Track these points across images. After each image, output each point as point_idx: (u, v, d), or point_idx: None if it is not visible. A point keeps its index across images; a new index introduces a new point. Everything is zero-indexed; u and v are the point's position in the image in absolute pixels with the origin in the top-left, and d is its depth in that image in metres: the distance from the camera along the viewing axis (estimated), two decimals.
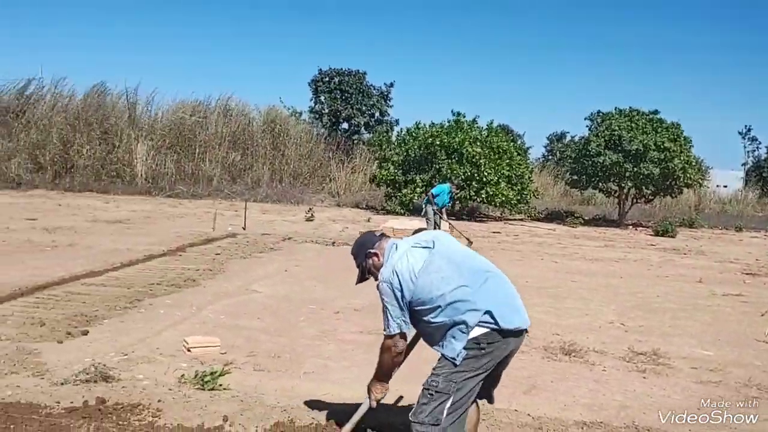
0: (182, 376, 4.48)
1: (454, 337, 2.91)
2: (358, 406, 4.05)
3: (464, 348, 2.87)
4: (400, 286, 2.98)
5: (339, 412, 3.85)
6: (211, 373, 4.48)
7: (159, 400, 3.98)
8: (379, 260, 3.17)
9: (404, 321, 3.01)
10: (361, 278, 3.32)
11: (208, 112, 25.53)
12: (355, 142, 27.96)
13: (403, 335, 3.05)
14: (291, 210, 19.54)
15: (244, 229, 13.52)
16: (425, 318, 3.00)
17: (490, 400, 3.31)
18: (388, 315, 3.01)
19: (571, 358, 5.54)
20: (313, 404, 4.09)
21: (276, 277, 8.57)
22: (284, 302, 7.02)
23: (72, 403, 3.86)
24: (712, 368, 5.46)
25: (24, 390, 4.07)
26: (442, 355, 2.95)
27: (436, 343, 3.01)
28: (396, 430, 3.50)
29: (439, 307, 2.92)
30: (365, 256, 3.23)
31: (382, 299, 3.04)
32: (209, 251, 10.34)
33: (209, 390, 4.26)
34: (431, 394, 2.86)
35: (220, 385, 4.36)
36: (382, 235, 3.32)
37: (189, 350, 5.05)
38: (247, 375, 4.63)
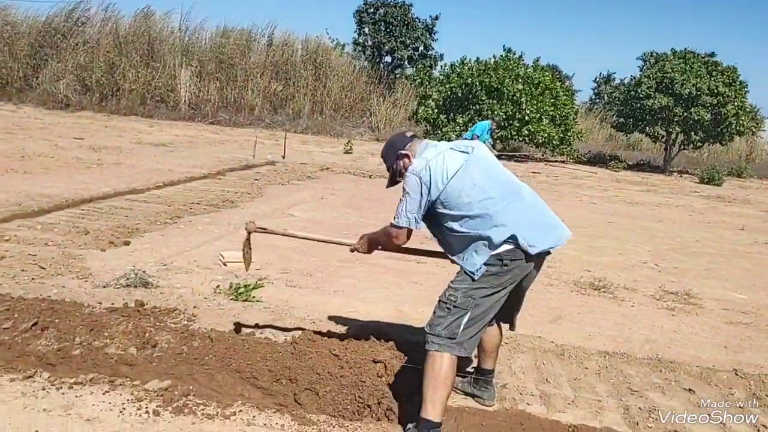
0: (217, 287, 4.66)
1: (476, 251, 2.79)
2: (385, 323, 4.19)
3: (485, 264, 2.77)
4: (429, 183, 2.83)
5: (365, 326, 3.97)
6: (245, 286, 4.64)
7: (194, 307, 4.17)
8: (410, 162, 3.00)
9: (416, 219, 2.89)
10: (392, 182, 3.18)
11: (252, 41, 25.37)
12: (398, 76, 27.50)
13: (409, 232, 2.96)
14: (330, 142, 19.58)
15: (283, 157, 13.64)
16: (447, 225, 2.89)
17: (512, 327, 3.29)
18: (404, 206, 2.88)
19: (600, 293, 5.55)
20: (341, 319, 4.22)
21: (312, 203, 8.69)
22: (319, 226, 7.14)
23: (113, 304, 4.07)
24: (744, 311, 5.41)
25: (69, 290, 4.30)
26: (462, 267, 2.86)
27: (456, 253, 2.91)
28: (409, 344, 3.56)
29: (466, 216, 2.81)
30: (396, 157, 3.07)
31: (404, 189, 2.90)
32: (248, 176, 10.50)
33: (242, 301, 4.43)
34: (449, 308, 2.77)
35: (254, 297, 4.52)
36: (414, 136, 3.12)
37: (225, 264, 5.22)
38: (280, 290, 4.78)
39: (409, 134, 3.13)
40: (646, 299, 5.51)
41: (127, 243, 5.61)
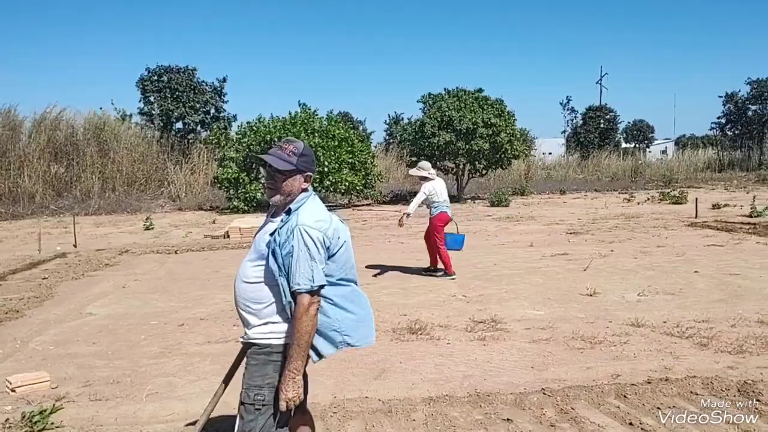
0: (6, 420, 4.06)
1: (321, 334, 2.64)
2: (207, 422, 3.94)
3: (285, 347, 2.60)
4: (328, 248, 2.60)
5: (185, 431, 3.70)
6: (41, 412, 4.10)
7: None
8: (301, 191, 2.68)
9: (322, 279, 2.55)
10: (271, 177, 2.69)
11: (18, 123, 23.18)
12: (191, 141, 26.85)
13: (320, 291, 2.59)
14: (128, 220, 18.39)
15: (75, 246, 12.51)
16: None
17: (304, 411, 3.00)
18: (315, 263, 2.50)
19: (417, 336, 5.75)
20: (157, 427, 3.89)
21: (113, 295, 8.02)
22: (123, 321, 6.60)
23: None
24: (542, 327, 5.94)
25: None
26: (264, 354, 2.60)
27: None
28: None
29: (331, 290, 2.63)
30: (303, 171, 2.68)
31: (307, 245, 2.51)
32: (35, 276, 9.45)
33: (39, 431, 3.90)
34: (258, 409, 2.55)
35: (52, 423, 4.00)
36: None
37: (13, 390, 4.58)
38: (83, 407, 4.29)
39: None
40: (459, 333, 5.82)
41: None
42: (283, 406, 2.51)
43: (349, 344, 2.72)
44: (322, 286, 2.54)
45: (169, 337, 5.96)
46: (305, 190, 2.71)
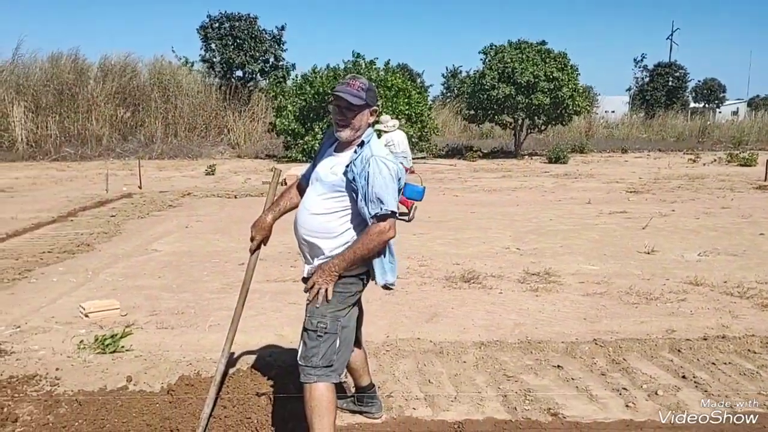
0: (81, 342, 4.35)
1: (383, 264, 2.76)
2: (266, 351, 4.13)
3: (351, 282, 2.73)
4: (398, 180, 2.69)
5: (245, 358, 3.89)
6: (112, 336, 4.38)
7: (57, 369, 3.87)
8: (370, 123, 2.75)
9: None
10: (343, 115, 2.69)
11: (85, 68, 23.88)
12: (251, 89, 27.11)
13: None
14: (189, 164, 18.92)
15: (140, 188, 13.00)
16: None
17: (360, 344, 3.20)
18: (389, 190, 2.59)
19: (470, 284, 5.81)
20: (219, 355, 4.09)
21: (176, 233, 8.36)
22: (186, 258, 6.89)
23: None
24: (597, 281, 5.89)
25: None
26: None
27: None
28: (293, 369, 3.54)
29: None
30: (369, 105, 2.71)
31: (383, 174, 2.59)
32: (103, 214, 9.91)
33: (110, 353, 4.17)
34: (320, 336, 2.66)
35: (122, 346, 4.27)
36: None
37: (87, 316, 4.89)
38: (150, 334, 4.55)
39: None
40: (512, 284, 5.84)
41: None
42: (314, 291, 2.66)
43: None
44: (394, 213, 2.62)
45: (230, 274, 6.20)
46: (371, 124, 2.77)
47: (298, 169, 15.11)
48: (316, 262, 2.76)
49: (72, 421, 3.13)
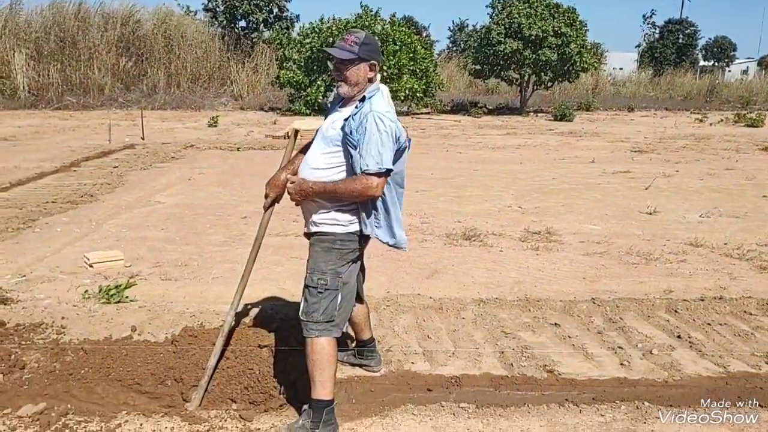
0: (85, 292, 4.42)
1: (387, 223, 2.79)
2: (268, 304, 4.19)
3: (348, 240, 2.76)
4: (396, 139, 2.65)
5: (247, 311, 3.95)
6: (116, 287, 4.44)
7: (63, 317, 3.94)
8: (370, 79, 2.72)
9: (390, 166, 2.61)
10: (338, 72, 2.71)
11: (91, 14, 23.48)
12: (255, 40, 26.69)
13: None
14: (192, 116, 18.80)
15: (142, 138, 12.96)
16: None
17: (362, 299, 3.26)
18: (383, 149, 2.55)
19: (471, 242, 5.84)
20: (223, 307, 4.15)
21: (179, 185, 8.37)
22: (189, 210, 6.92)
23: None
24: (598, 241, 5.92)
25: None
26: (329, 240, 2.75)
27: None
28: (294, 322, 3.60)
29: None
30: (368, 59, 2.69)
31: (380, 130, 2.56)
32: (106, 164, 9.91)
33: (115, 303, 4.24)
34: (320, 293, 2.70)
35: (126, 297, 4.34)
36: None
37: (91, 266, 4.95)
38: (154, 285, 4.62)
39: None
40: (513, 242, 5.88)
41: None
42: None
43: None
44: (389, 171, 2.60)
45: (233, 227, 6.24)
46: (371, 80, 2.74)
47: (301, 123, 15.00)
48: (314, 219, 2.77)
49: (78, 369, 3.20)
